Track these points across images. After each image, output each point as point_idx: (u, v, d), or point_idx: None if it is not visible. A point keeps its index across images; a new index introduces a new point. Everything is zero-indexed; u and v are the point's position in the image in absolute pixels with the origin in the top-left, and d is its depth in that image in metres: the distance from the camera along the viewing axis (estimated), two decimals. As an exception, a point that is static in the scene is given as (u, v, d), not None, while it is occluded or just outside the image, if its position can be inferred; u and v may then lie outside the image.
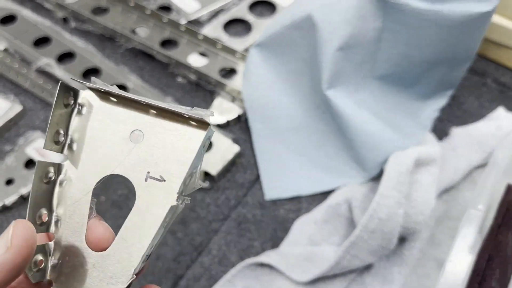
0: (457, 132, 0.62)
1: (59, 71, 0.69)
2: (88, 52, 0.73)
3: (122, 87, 0.70)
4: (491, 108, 0.69)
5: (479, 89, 0.72)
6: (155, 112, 0.29)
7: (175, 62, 0.72)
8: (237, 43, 0.76)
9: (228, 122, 0.67)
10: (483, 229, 0.42)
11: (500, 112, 0.65)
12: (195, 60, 0.73)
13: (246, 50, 0.74)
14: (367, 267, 0.53)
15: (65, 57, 0.73)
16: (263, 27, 0.78)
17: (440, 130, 0.67)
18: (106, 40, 0.77)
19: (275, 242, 0.57)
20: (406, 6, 0.54)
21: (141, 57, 0.75)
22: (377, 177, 0.61)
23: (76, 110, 0.30)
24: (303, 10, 0.59)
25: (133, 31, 0.75)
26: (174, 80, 0.73)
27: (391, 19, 0.56)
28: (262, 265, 0.52)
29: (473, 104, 0.70)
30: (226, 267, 0.55)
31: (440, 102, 0.68)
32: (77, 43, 0.74)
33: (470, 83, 0.73)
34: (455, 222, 0.57)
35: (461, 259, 0.38)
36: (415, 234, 0.53)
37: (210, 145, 0.64)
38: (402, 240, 0.54)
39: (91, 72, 0.71)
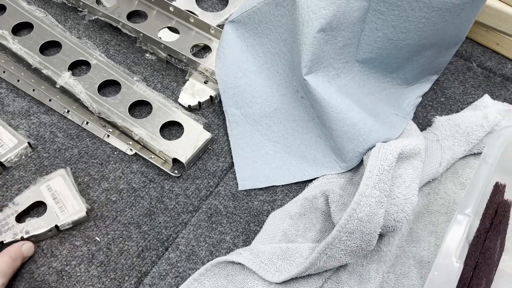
0: (442, 121, 0.59)
1: (13, 44, 0.63)
2: (47, 23, 0.66)
3: (84, 63, 0.64)
4: (475, 95, 0.67)
5: (464, 74, 0.69)
6: None
7: (143, 36, 0.66)
8: (212, 18, 0.70)
9: (200, 105, 0.62)
10: (470, 233, 0.39)
11: (486, 100, 0.62)
12: (166, 35, 0.67)
13: (221, 25, 0.68)
14: (343, 265, 0.50)
15: (21, 28, 0.66)
16: (240, 0, 0.72)
17: (423, 117, 0.64)
18: (68, 10, 0.70)
19: (248, 236, 0.54)
20: (395, -15, 0.49)
21: (106, 30, 0.69)
22: (356, 168, 0.57)
23: None
24: (283, -15, 0.54)
25: (98, 1, 0.69)
26: (143, 57, 0.67)
27: (378, -1, 0.51)
28: (233, 262, 0.49)
29: (457, 89, 0.67)
30: (195, 264, 0.51)
31: (424, 87, 0.64)
32: (35, 13, 0.67)
33: (454, 67, 0.70)
34: (435, 217, 0.55)
35: (447, 268, 0.35)
36: (395, 231, 0.51)
37: (182, 130, 0.59)
38: (380, 235, 0.51)
39: (50, 46, 0.65)
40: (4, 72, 0.63)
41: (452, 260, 0.36)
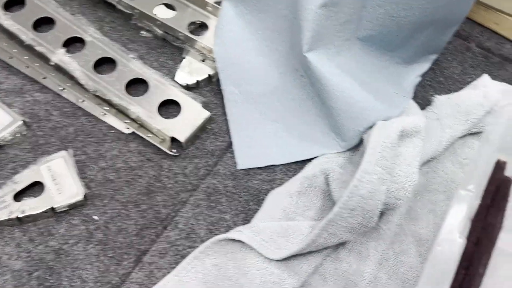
0: (442, 100, 0.58)
1: (5, 20, 0.61)
2: (39, -1, 0.64)
3: (79, 40, 0.62)
4: (474, 75, 0.66)
5: (463, 54, 0.69)
6: None
7: (138, 13, 0.64)
8: (209, -5, 0.69)
9: (198, 83, 0.62)
10: (472, 209, 0.39)
11: (485, 80, 0.62)
12: (162, 12, 0.66)
13: (219, 2, 0.67)
14: (342, 242, 0.50)
15: (12, 4, 0.64)
16: (238, -23, 0.71)
17: (422, 96, 0.64)
18: (61, -15, 0.69)
19: (247, 215, 0.53)
20: (398, -40, 0.49)
21: (100, 7, 0.67)
22: (355, 146, 0.57)
23: None
24: (283, -40, 0.53)
25: (91, -23, 0.67)
26: (138, 34, 0.66)
27: (380, -26, 0.51)
28: (233, 240, 0.49)
29: (456, 69, 0.67)
30: (194, 242, 0.51)
31: (424, 67, 0.64)
32: (27, -12, 0.65)
33: (453, 46, 0.70)
34: (434, 195, 0.55)
35: (450, 243, 0.35)
36: (394, 209, 0.51)
37: (179, 108, 0.58)
38: (379, 213, 0.51)
39: (43, 23, 0.63)
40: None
41: (455, 236, 0.37)
